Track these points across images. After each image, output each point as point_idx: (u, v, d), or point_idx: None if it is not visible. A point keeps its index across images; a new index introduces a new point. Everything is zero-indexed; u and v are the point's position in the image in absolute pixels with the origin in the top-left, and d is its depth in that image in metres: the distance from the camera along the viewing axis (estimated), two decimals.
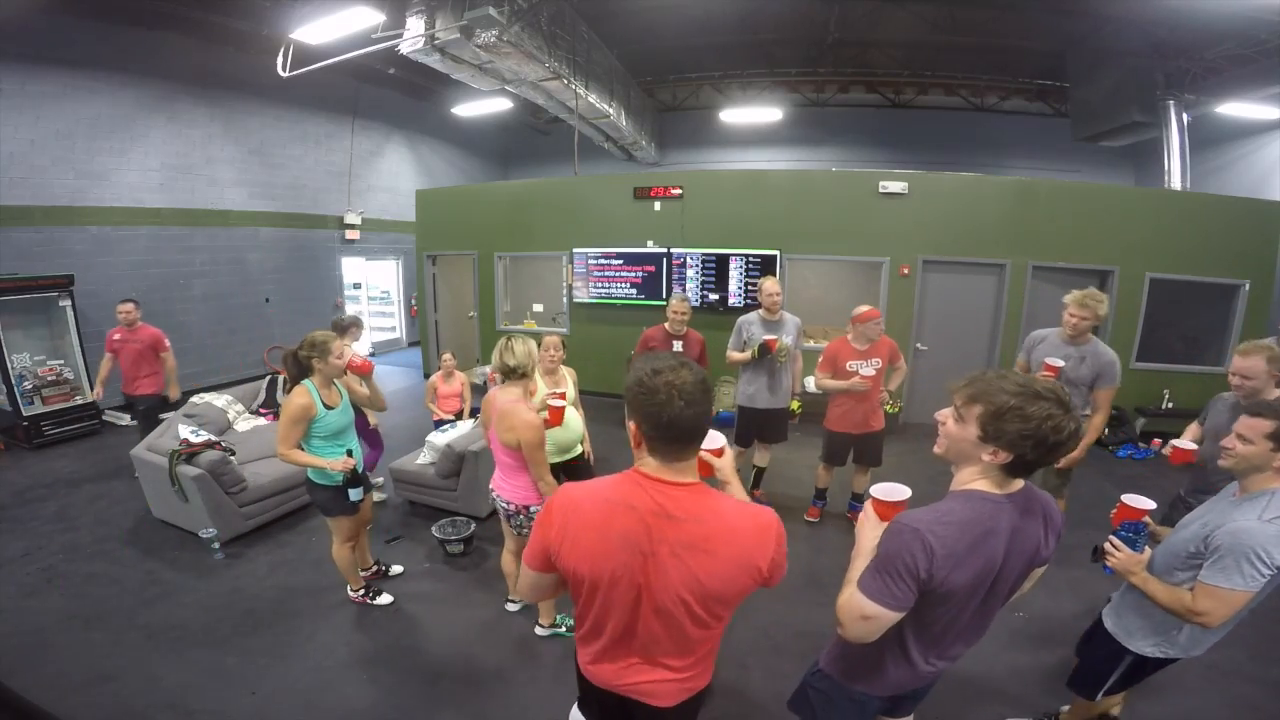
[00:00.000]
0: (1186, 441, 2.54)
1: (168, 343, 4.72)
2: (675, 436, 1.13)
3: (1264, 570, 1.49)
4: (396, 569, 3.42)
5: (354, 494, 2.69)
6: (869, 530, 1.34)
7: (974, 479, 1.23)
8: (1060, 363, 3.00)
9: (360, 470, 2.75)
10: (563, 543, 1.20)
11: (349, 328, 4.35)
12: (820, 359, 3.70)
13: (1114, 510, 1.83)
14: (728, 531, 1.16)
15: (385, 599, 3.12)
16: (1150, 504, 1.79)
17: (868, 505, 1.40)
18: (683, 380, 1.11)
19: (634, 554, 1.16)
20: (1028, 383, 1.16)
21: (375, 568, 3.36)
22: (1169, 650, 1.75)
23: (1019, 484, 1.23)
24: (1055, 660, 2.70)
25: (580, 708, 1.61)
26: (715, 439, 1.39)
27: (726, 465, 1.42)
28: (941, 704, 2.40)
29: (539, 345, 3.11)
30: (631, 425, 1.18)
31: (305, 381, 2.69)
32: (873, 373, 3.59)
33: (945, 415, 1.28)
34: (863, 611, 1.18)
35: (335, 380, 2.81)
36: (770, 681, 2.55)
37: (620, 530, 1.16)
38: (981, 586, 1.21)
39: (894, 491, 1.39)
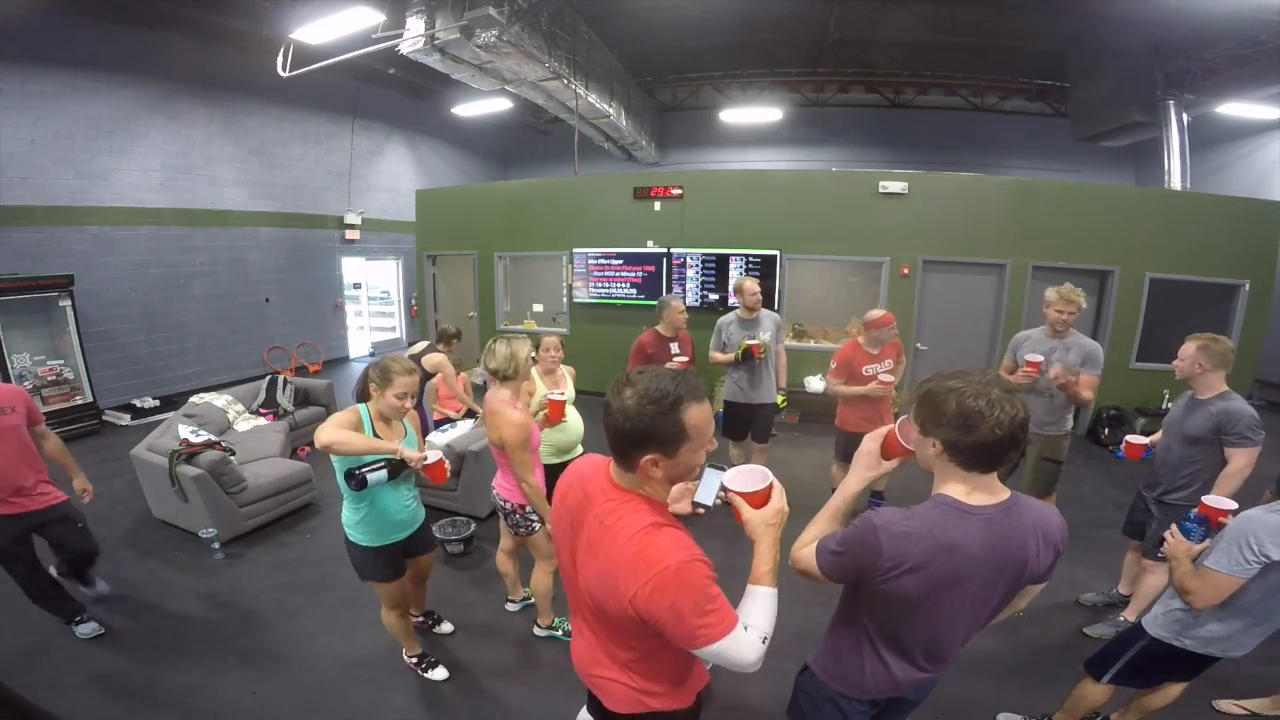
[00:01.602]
0: (1139, 436, 2.68)
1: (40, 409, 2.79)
2: (609, 437, 1.16)
3: (1250, 558, 1.51)
4: (447, 627, 2.91)
5: (372, 478, 2.07)
6: (862, 467, 1.34)
7: (943, 483, 1.21)
8: (1039, 357, 3.07)
9: (406, 464, 2.16)
10: (555, 500, 1.35)
11: (451, 339, 4.50)
12: (833, 365, 3.70)
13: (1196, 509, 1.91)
14: (611, 546, 1.12)
15: (440, 674, 2.61)
16: (1232, 504, 1.87)
17: (875, 435, 1.33)
18: (629, 385, 1.12)
19: (570, 525, 1.25)
20: (957, 373, 1.16)
21: (423, 618, 2.89)
22: (1183, 640, 1.76)
23: (998, 495, 1.18)
24: (1052, 659, 2.70)
25: (588, 706, 1.60)
26: (751, 479, 1.18)
27: (754, 521, 1.18)
28: (937, 702, 2.40)
29: (538, 345, 3.11)
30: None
31: (360, 405, 2.26)
32: (890, 376, 3.60)
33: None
34: (809, 569, 1.29)
35: (405, 421, 2.35)
36: (770, 683, 2.53)
37: (570, 501, 1.26)
38: (946, 599, 1.18)
39: (900, 430, 1.28)
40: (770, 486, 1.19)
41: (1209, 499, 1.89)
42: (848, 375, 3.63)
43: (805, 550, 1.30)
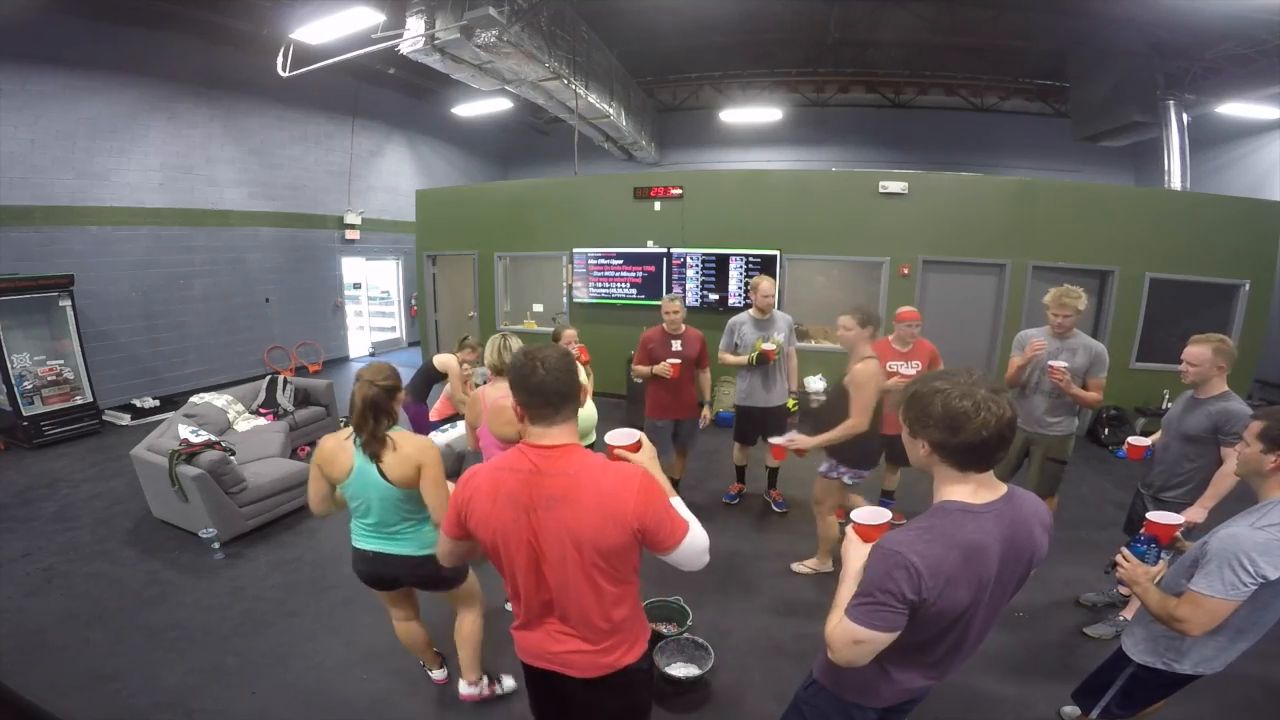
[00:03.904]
0: (1141, 438, 2.64)
1: None
2: (539, 402, 1.33)
3: (1246, 579, 1.42)
4: (509, 684, 2.49)
5: None
6: (854, 552, 1.33)
7: (945, 485, 1.20)
8: (1062, 363, 3.03)
9: None
10: (467, 511, 1.38)
11: (466, 348, 4.29)
12: None
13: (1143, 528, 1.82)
14: (589, 482, 1.28)
15: (509, 683, 2.46)
16: (1178, 519, 1.79)
17: (850, 530, 1.38)
18: (546, 354, 1.34)
19: (519, 511, 1.31)
20: (943, 374, 1.17)
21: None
22: (1173, 664, 1.69)
23: (998, 490, 1.18)
24: (1053, 659, 2.70)
25: (530, 699, 1.63)
26: (629, 435, 1.48)
27: (642, 459, 1.44)
28: (937, 702, 2.40)
29: (557, 338, 3.37)
30: (513, 400, 1.38)
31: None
32: (914, 374, 3.56)
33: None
34: (854, 637, 1.15)
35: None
36: (770, 682, 2.55)
37: (506, 492, 1.33)
38: (979, 602, 1.18)
39: (875, 515, 1.38)
40: (640, 440, 1.47)
41: (1154, 515, 1.80)
42: None
43: (844, 626, 1.18)
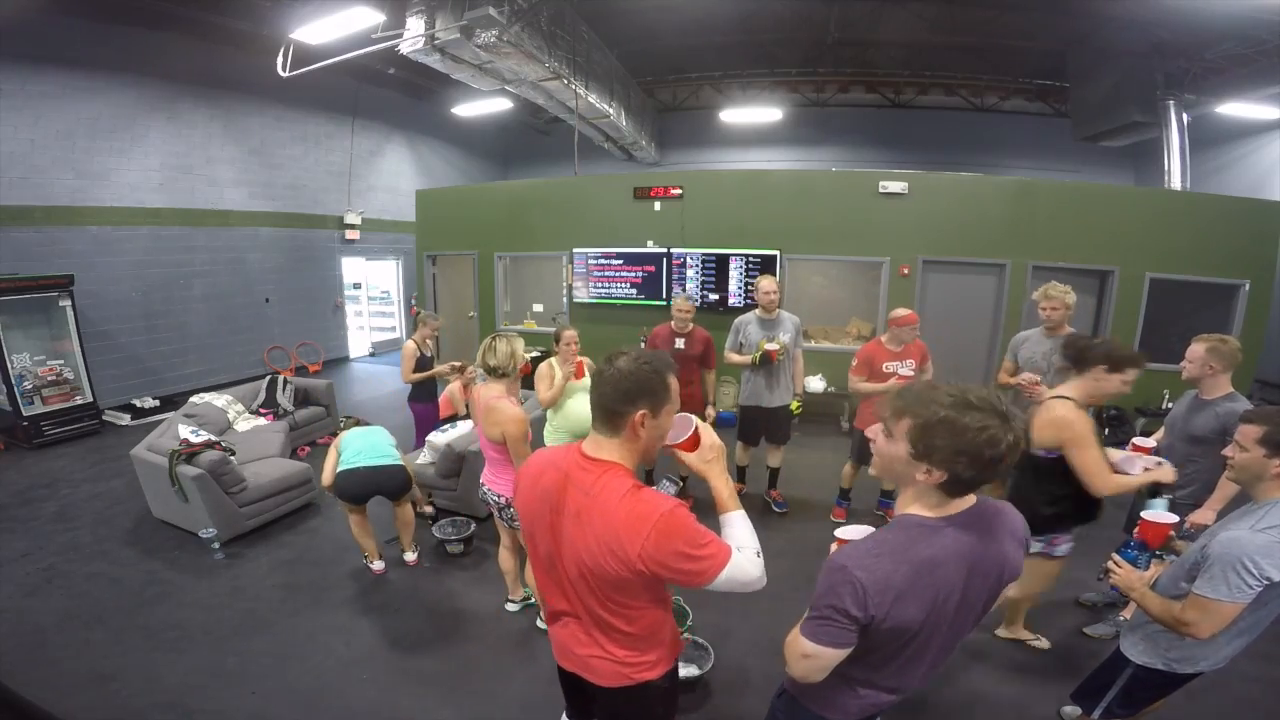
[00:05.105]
0: (1145, 439, 2.58)
1: None
2: (594, 410, 1.29)
3: (1251, 582, 1.43)
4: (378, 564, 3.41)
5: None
6: None
7: (911, 502, 1.15)
8: (1033, 376, 3.07)
9: None
10: (516, 490, 1.45)
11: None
12: (854, 362, 3.68)
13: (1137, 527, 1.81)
14: (602, 509, 1.21)
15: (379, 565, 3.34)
16: (1172, 518, 1.78)
17: (834, 546, 1.30)
18: (618, 363, 1.26)
19: (548, 508, 1.30)
20: (960, 393, 1.06)
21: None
22: (1174, 664, 1.69)
23: (965, 501, 1.13)
24: (1053, 659, 2.70)
25: (566, 709, 1.64)
26: (684, 424, 1.33)
27: (695, 462, 1.34)
28: (938, 702, 2.40)
29: (558, 338, 3.49)
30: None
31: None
32: (910, 374, 3.58)
33: (874, 431, 1.19)
34: (802, 650, 1.13)
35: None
36: (770, 682, 2.52)
37: (544, 485, 1.32)
38: (940, 617, 1.12)
39: (857, 534, 1.29)
40: (696, 430, 1.33)
41: (1148, 513, 1.80)
42: (869, 372, 3.61)
43: (795, 639, 1.16)
